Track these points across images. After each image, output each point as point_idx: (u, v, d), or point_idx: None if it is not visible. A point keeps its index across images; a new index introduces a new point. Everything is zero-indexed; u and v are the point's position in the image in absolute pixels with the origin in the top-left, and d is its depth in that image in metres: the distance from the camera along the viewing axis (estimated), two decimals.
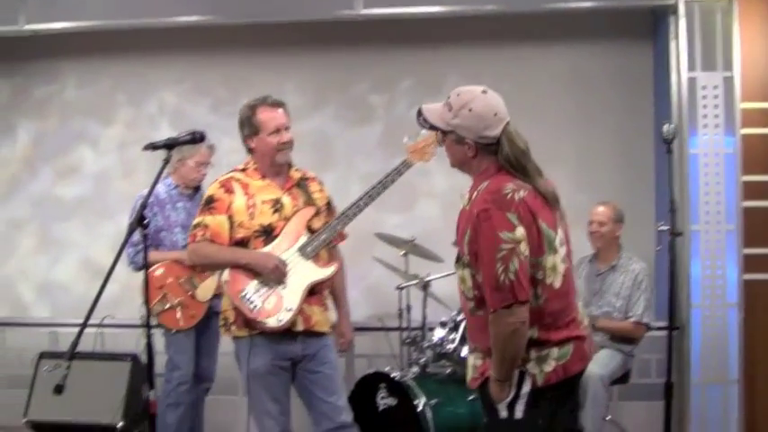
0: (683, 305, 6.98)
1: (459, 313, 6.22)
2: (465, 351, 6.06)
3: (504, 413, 3.73)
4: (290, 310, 4.79)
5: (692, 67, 6.94)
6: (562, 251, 3.75)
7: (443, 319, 6.35)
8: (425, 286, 6.67)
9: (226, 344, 6.78)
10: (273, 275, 4.79)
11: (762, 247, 6.96)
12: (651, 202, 7.61)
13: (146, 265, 4.74)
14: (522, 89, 7.83)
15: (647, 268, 6.60)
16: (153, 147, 4.69)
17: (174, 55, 8.28)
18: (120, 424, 7.01)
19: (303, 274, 4.84)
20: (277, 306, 4.80)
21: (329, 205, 5.13)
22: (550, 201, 3.75)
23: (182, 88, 8.34)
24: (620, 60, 7.92)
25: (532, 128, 7.83)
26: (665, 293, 6.68)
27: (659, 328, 6.67)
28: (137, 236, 5.93)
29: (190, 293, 6.22)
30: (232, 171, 5.05)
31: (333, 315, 5.24)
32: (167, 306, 6.21)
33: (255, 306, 4.80)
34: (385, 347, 7.29)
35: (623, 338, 6.53)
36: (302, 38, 8.01)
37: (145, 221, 4.30)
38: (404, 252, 6.98)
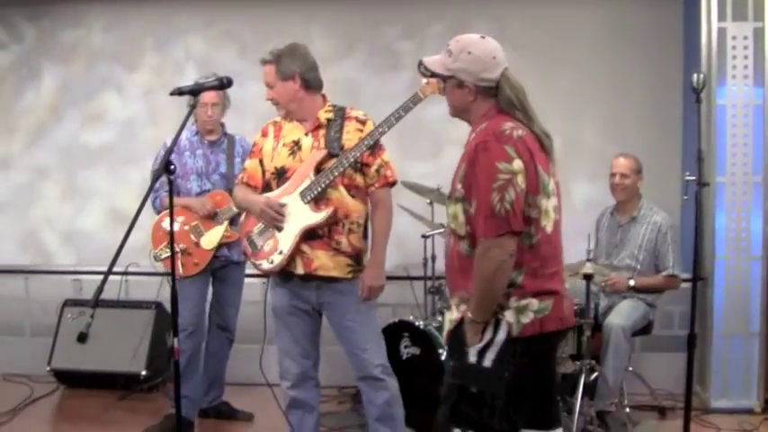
0: (708, 257, 6.97)
1: None
2: None
3: (472, 358, 3.68)
4: (281, 252, 4.83)
5: (722, 18, 6.85)
6: (554, 200, 3.75)
7: None
8: None
9: (250, 293, 6.86)
10: (263, 219, 4.87)
11: None
12: (678, 152, 7.59)
13: (171, 212, 4.74)
14: (552, 38, 7.82)
15: (669, 219, 6.59)
16: (179, 92, 4.68)
17: (201, 0, 8.26)
18: (144, 372, 7.08)
19: (299, 218, 4.83)
20: (272, 248, 4.87)
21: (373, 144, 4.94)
22: (546, 147, 3.75)
23: (209, 33, 8.34)
24: (651, 11, 7.88)
25: (561, 78, 7.93)
26: (689, 245, 6.68)
27: (684, 280, 6.68)
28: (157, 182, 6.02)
29: (195, 241, 6.22)
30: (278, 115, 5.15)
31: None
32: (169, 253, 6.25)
33: (256, 247, 4.92)
34: (409, 296, 7.31)
35: (648, 289, 6.56)
36: None
37: (171, 167, 4.30)
38: (429, 201, 6.98)
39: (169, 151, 4.41)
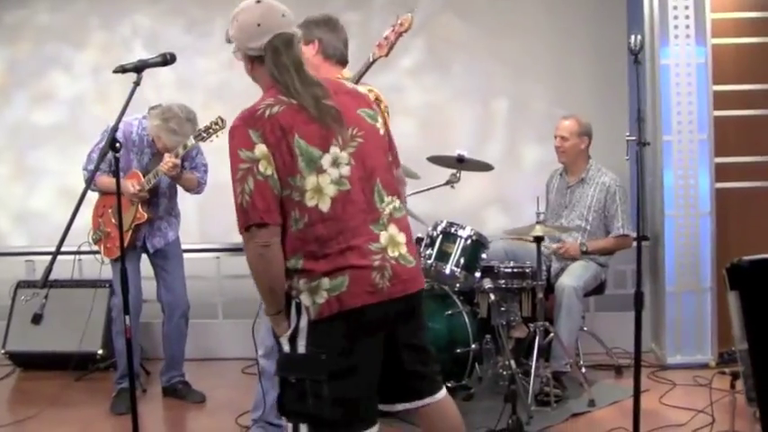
0: (657, 215, 7.07)
1: (434, 229, 6.29)
2: (442, 267, 6.16)
3: (286, 347, 3.52)
4: None
5: None
6: (337, 171, 3.45)
7: (419, 235, 6.35)
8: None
9: (203, 269, 6.88)
10: None
11: (732, 155, 7.03)
12: (625, 113, 7.64)
13: (118, 191, 4.72)
14: (497, 2, 7.84)
15: (618, 179, 6.65)
16: (123, 70, 4.65)
17: None
18: (100, 351, 7.07)
19: None
20: None
21: None
22: (323, 117, 3.45)
23: (155, 10, 8.32)
24: None
25: (507, 42, 7.96)
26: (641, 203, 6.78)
27: (637, 238, 6.76)
28: (93, 163, 5.99)
29: (116, 223, 6.05)
30: None
31: None
32: (100, 236, 6.29)
33: None
34: None
35: (601, 252, 6.64)
36: None
37: (117, 144, 4.29)
38: None
39: (114, 129, 4.41)
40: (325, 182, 3.41)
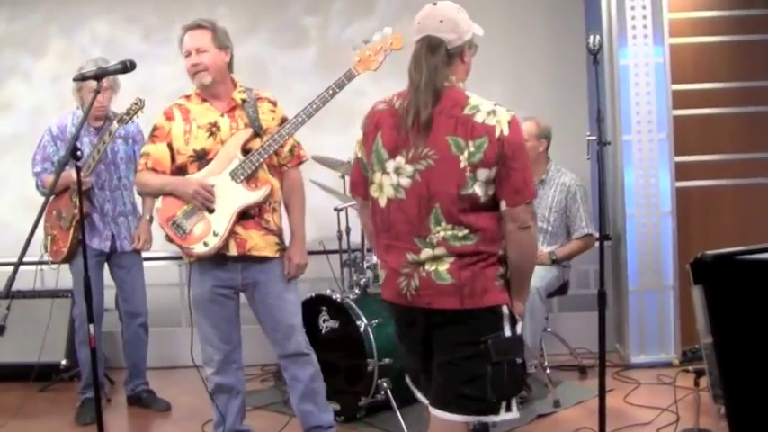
0: (618, 215, 7.13)
1: None
2: None
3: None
4: (217, 234, 4.74)
5: None
6: (398, 179, 3.66)
7: None
8: None
9: (167, 276, 6.86)
10: (196, 200, 4.74)
11: (691, 154, 7.08)
12: (585, 113, 7.69)
13: (80, 198, 4.71)
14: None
15: (578, 179, 6.69)
16: (83, 78, 4.67)
17: None
18: (64, 362, 7.04)
19: (233, 198, 4.77)
20: (205, 231, 4.76)
21: (283, 125, 4.94)
22: (404, 127, 3.64)
23: (113, 18, 8.29)
24: None
25: None
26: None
27: (600, 238, 6.80)
28: (39, 164, 5.98)
29: (60, 225, 6.16)
30: (179, 98, 5.04)
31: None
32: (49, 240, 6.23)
33: (184, 232, 4.79)
34: (326, 270, 7.32)
35: (570, 257, 6.70)
36: None
37: (78, 152, 4.29)
38: (341, 174, 7.00)
39: (75, 137, 4.41)
40: (386, 182, 3.72)
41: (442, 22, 3.76)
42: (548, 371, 6.53)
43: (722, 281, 2.46)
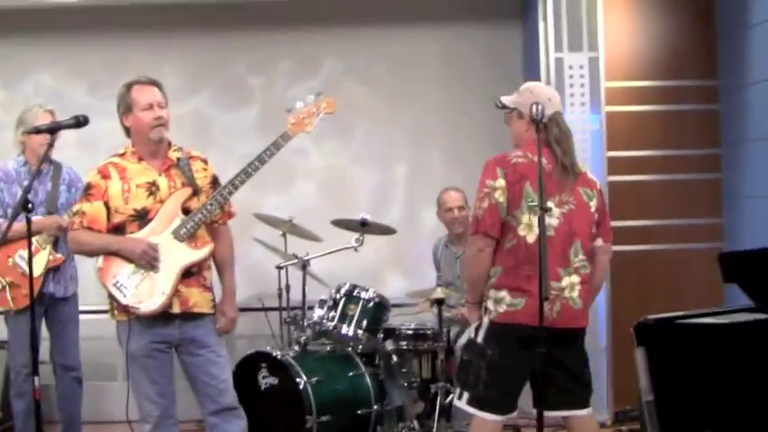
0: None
1: (337, 291, 6.40)
2: (344, 329, 6.28)
3: (472, 334, 4.72)
4: (163, 293, 4.78)
5: (558, 48, 7.18)
6: (547, 220, 4.39)
7: (323, 297, 6.48)
8: (304, 266, 6.75)
9: (101, 329, 6.83)
10: (143, 260, 4.77)
11: (626, 219, 7.23)
12: None
13: (29, 248, 4.74)
14: (396, 70, 8.03)
15: None
16: (37, 130, 4.74)
17: (50, 36, 8.20)
18: None
19: (176, 256, 4.82)
20: (150, 290, 4.78)
21: (215, 184, 5.05)
22: (555, 177, 4.63)
23: (58, 70, 8.29)
24: (491, 41, 8.17)
25: (406, 108, 8.08)
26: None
27: None
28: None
29: (21, 271, 6.05)
30: (111, 156, 5.05)
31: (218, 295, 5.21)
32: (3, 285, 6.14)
33: (128, 292, 4.80)
34: (265, 327, 7.36)
35: None
36: (180, 20, 8.09)
37: (29, 205, 4.33)
38: (282, 232, 7.07)
39: (26, 190, 4.44)
40: (535, 221, 4.47)
41: (550, 100, 4.79)
42: None
43: (663, 343, 2.61)
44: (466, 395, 4.67)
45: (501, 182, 4.59)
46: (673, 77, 7.33)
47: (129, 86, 5.00)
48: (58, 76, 8.27)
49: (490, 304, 4.60)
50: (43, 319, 6.28)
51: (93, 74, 8.20)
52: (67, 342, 6.37)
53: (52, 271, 6.19)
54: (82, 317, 6.55)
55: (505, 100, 4.98)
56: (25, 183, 6.12)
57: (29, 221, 4.43)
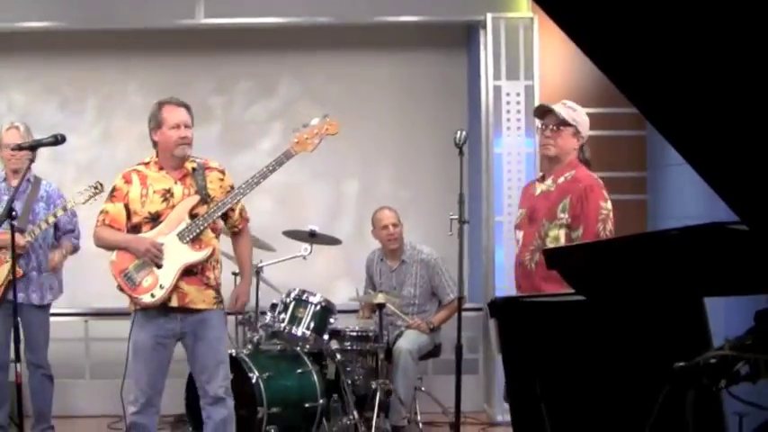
0: (490, 287, 7.70)
1: (288, 296, 6.85)
2: (294, 330, 6.70)
3: None
4: (162, 287, 5.30)
5: (497, 76, 7.73)
6: None
7: (274, 301, 6.93)
8: (258, 272, 7.14)
9: (70, 330, 7.25)
10: (147, 257, 5.31)
11: None
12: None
13: (13, 255, 5.21)
14: (350, 92, 8.48)
15: (433, 252, 7.36)
16: (19, 148, 5.17)
17: (23, 56, 8.53)
18: None
19: (179, 256, 5.33)
20: (153, 284, 5.32)
21: (232, 192, 5.54)
22: None
23: (29, 88, 8.62)
24: (439, 68, 8.67)
25: (359, 128, 8.62)
26: (477, 274, 7.45)
27: (471, 309, 7.54)
28: None
29: None
30: (137, 164, 5.57)
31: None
32: None
33: (134, 283, 5.34)
34: None
35: (444, 321, 7.31)
36: (146, 43, 8.48)
37: (13, 213, 4.76)
38: None
39: (11, 199, 4.89)
40: None
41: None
42: (420, 425, 7.11)
43: (508, 316, 3.16)
44: None
45: (609, 204, 5.05)
46: (604, 105, 7.68)
47: (161, 105, 5.52)
48: (29, 93, 8.62)
49: None
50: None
51: (62, 92, 8.58)
52: (39, 345, 6.75)
53: (22, 281, 6.44)
54: (56, 319, 6.96)
55: (564, 114, 5.15)
56: (4, 197, 6.39)
57: (12, 228, 4.84)
